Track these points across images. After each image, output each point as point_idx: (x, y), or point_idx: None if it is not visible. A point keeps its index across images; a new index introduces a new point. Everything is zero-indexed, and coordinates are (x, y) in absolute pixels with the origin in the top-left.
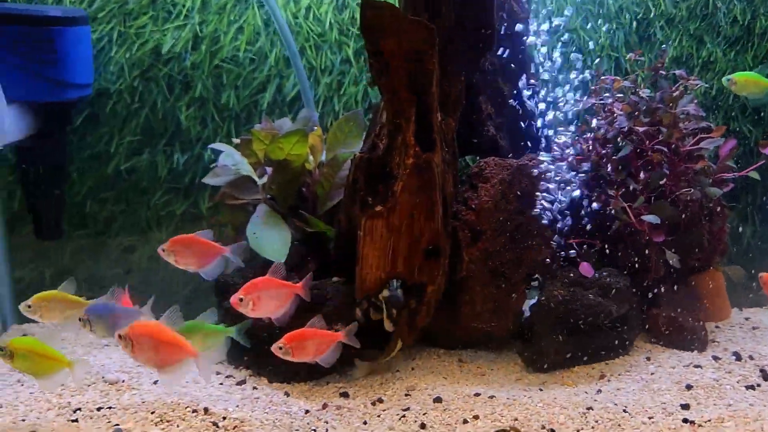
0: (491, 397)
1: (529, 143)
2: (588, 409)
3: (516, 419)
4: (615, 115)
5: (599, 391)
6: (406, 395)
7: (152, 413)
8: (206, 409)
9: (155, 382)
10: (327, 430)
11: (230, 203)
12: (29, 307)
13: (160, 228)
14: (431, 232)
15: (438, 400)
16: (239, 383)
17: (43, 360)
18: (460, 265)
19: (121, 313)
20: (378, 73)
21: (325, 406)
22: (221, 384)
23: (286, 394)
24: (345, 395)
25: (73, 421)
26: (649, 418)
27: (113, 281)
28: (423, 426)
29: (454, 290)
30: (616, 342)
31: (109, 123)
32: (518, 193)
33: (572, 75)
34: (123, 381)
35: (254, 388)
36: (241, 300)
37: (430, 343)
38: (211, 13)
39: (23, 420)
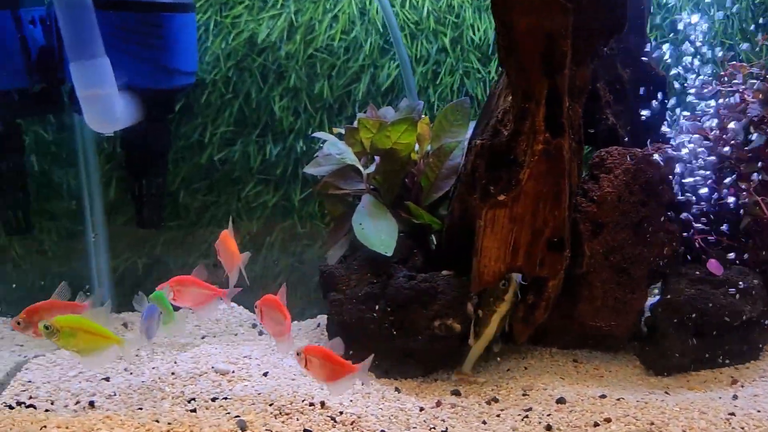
0: (619, 399)
1: (650, 132)
2: (730, 414)
3: (652, 423)
4: (746, 102)
5: (735, 396)
6: (524, 395)
7: (270, 405)
8: (323, 403)
9: (265, 374)
10: (446, 428)
11: (332, 193)
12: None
13: (251, 219)
14: (556, 223)
15: (561, 401)
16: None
17: (91, 337)
18: (581, 260)
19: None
20: (507, 53)
21: (439, 403)
22: None
23: (397, 390)
24: (456, 393)
25: (191, 411)
26: None
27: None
28: (549, 428)
29: (572, 286)
30: (746, 347)
31: (203, 113)
32: (643, 184)
33: (691, 62)
34: (233, 372)
35: (363, 383)
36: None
37: (542, 342)
38: (306, 2)
39: (140, 408)
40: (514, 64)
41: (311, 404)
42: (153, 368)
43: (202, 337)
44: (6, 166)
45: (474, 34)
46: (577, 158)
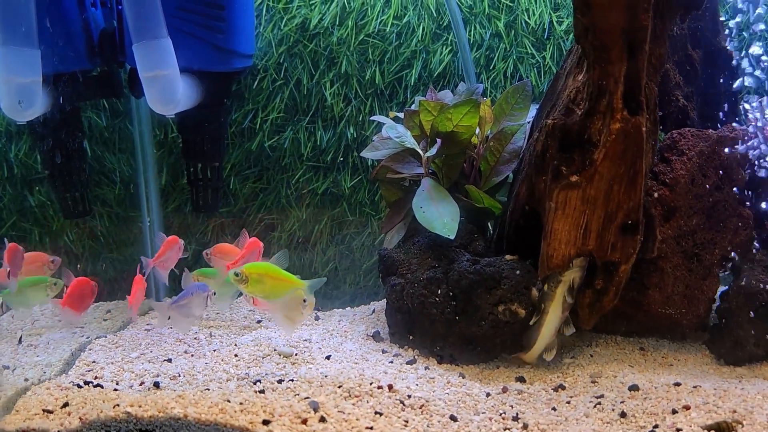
0: (696, 387)
1: (722, 114)
2: None
3: (734, 411)
4: None
5: None
6: (593, 382)
7: (339, 387)
8: (390, 386)
9: (328, 357)
10: (517, 414)
11: (390, 177)
12: None
13: (301, 206)
14: (630, 205)
15: (634, 388)
16: (409, 362)
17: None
18: (651, 245)
19: None
20: (584, 29)
21: (505, 389)
22: (391, 362)
23: (461, 375)
24: (521, 380)
25: (259, 392)
26: None
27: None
28: (623, 414)
29: (641, 272)
30: None
31: (254, 99)
32: (717, 167)
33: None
34: (295, 354)
35: (426, 368)
36: None
37: (606, 330)
38: None
39: (207, 389)
40: (592, 40)
41: (379, 387)
42: (214, 350)
43: (258, 321)
44: (66, 149)
45: (529, 18)
46: (652, 139)
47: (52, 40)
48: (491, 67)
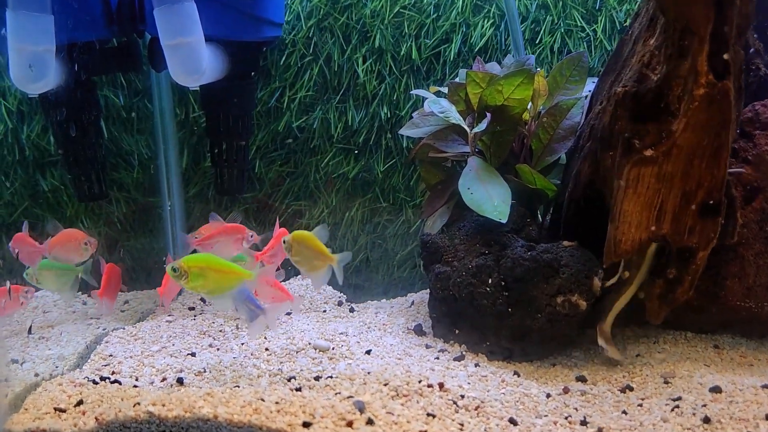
0: None
1: None
2: None
3: None
4: None
5: None
6: (666, 383)
7: (385, 385)
8: (441, 385)
9: (368, 352)
10: (584, 417)
11: (432, 157)
12: None
13: (330, 192)
14: (712, 183)
15: (716, 389)
16: (457, 359)
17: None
18: (732, 229)
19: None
20: None
21: (566, 390)
22: (437, 359)
23: (516, 374)
24: (582, 379)
25: (296, 390)
26: None
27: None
28: (707, 420)
29: (718, 260)
30: None
31: (280, 76)
32: None
33: None
34: (332, 348)
35: (476, 365)
36: None
37: (674, 325)
38: None
39: (236, 386)
40: None
41: (429, 385)
42: (242, 344)
43: (287, 314)
44: (81, 126)
45: None
46: (737, 109)
47: (66, 5)
48: (537, 42)
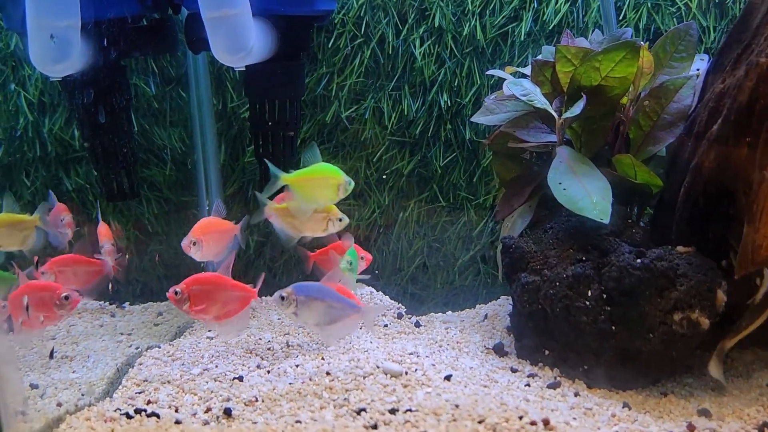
0: None
1: None
2: None
3: None
4: None
5: None
6: None
7: (480, 423)
8: (546, 422)
9: (447, 378)
10: None
11: (512, 147)
12: None
13: (383, 190)
14: None
15: None
16: (551, 386)
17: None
18: None
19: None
20: None
21: (691, 428)
22: (527, 386)
23: (626, 406)
24: (706, 413)
25: (371, 427)
26: None
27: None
28: None
29: None
30: None
31: (328, 61)
32: None
33: None
34: (405, 373)
35: (575, 394)
36: None
37: None
38: None
39: (298, 422)
40: None
41: (532, 423)
42: (296, 366)
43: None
44: (110, 117)
45: None
46: None
47: None
48: (620, 18)
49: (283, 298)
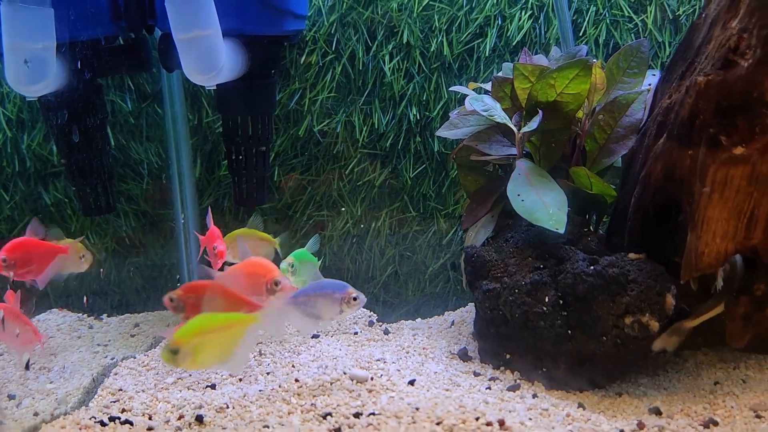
0: None
1: None
2: None
3: None
4: None
5: None
6: (757, 417)
7: (438, 424)
8: (502, 423)
9: (411, 383)
10: None
11: (474, 160)
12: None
13: (355, 201)
14: None
15: None
16: (511, 389)
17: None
18: None
19: None
20: None
21: (641, 425)
22: (488, 389)
23: (581, 406)
24: (657, 412)
25: (334, 430)
26: None
27: None
28: None
29: None
30: None
31: (301, 77)
32: None
33: None
34: (371, 378)
35: (534, 396)
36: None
37: (757, 349)
38: None
39: (266, 426)
40: None
41: (488, 423)
42: (267, 373)
43: (313, 336)
44: (86, 133)
45: None
46: None
47: None
48: (581, 34)
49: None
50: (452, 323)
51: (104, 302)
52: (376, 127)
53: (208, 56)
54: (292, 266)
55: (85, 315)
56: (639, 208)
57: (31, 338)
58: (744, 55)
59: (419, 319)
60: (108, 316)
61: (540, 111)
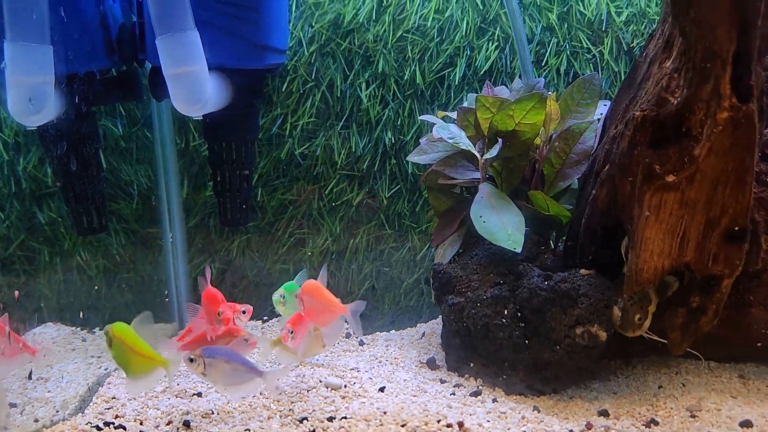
0: None
1: None
2: None
3: None
4: None
5: None
6: (692, 416)
7: (402, 426)
8: (461, 424)
9: (381, 389)
10: None
11: (441, 183)
12: None
13: (334, 220)
14: (737, 209)
15: (747, 424)
16: (473, 394)
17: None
18: (755, 255)
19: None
20: (686, 4)
21: (590, 426)
22: (453, 394)
23: (536, 409)
24: (604, 413)
25: None
26: None
27: (282, 278)
28: None
29: (741, 287)
30: None
31: (282, 103)
32: None
33: None
34: (345, 386)
35: (494, 400)
36: None
37: (694, 354)
38: None
39: (247, 429)
40: (695, 15)
41: (448, 425)
42: None
43: None
44: (80, 158)
45: (584, 8)
46: (759, 132)
47: (66, 35)
48: (543, 64)
49: (192, 359)
50: (423, 334)
51: (96, 316)
52: (354, 150)
53: (195, 89)
54: (284, 297)
55: (79, 328)
56: (588, 228)
57: (19, 352)
58: (674, 94)
59: (393, 330)
60: (100, 330)
61: (500, 139)
